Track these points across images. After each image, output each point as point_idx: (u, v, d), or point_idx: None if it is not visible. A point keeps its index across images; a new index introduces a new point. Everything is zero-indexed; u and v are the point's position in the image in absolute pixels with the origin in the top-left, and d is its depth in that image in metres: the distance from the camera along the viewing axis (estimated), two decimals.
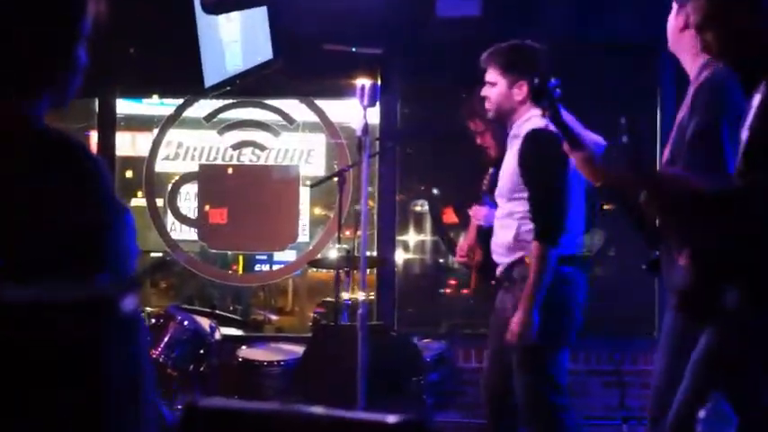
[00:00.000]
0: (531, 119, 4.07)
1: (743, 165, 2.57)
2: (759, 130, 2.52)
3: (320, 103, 6.71)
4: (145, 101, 7.21)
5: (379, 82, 5.85)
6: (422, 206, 7.52)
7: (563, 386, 4.07)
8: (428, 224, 7.78)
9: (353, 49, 6.21)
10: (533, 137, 4.03)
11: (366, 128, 4.21)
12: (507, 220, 4.12)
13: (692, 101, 3.20)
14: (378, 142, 5.88)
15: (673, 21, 3.37)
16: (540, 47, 4.19)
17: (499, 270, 4.18)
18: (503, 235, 4.14)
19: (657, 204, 2.66)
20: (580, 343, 6.29)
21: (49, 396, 1.28)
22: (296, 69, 5.99)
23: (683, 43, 3.32)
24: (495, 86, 4.15)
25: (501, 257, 4.16)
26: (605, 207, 6.48)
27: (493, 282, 4.26)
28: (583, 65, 6.09)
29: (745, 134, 2.58)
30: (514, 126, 4.16)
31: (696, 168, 2.98)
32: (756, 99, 2.56)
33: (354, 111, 5.08)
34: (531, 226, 4.03)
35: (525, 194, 4.06)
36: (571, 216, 4.05)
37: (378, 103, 4.29)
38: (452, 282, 7.33)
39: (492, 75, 4.15)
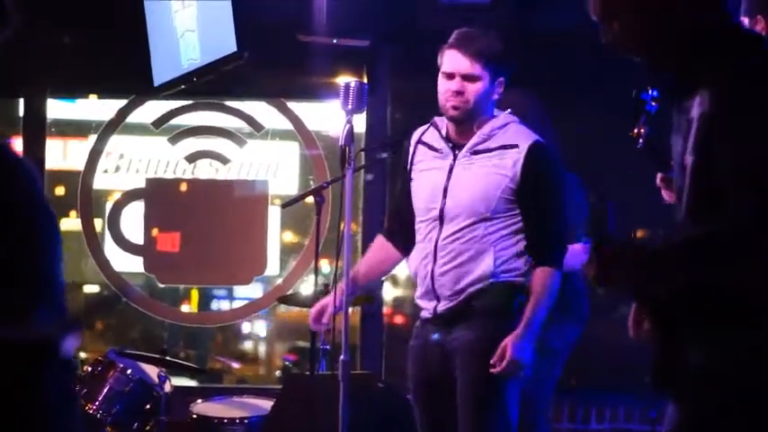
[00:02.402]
0: (511, 125, 4.17)
1: (695, 201, 2.42)
2: (708, 156, 2.34)
3: (293, 105, 6.72)
4: (80, 101, 7.21)
5: (365, 81, 5.87)
6: None
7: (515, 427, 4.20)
8: None
9: (335, 41, 6.22)
10: (543, 150, 4.18)
11: (350, 136, 4.21)
12: (477, 244, 4.14)
13: None
14: (363, 153, 5.89)
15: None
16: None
17: (445, 305, 4.17)
18: (471, 262, 4.14)
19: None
20: (606, 398, 6.35)
21: None
22: (264, 65, 6.00)
23: None
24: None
25: (456, 287, 4.15)
26: (638, 234, 6.50)
27: (429, 317, 4.24)
28: (608, 62, 6.10)
29: (689, 159, 2.42)
30: (479, 133, 4.18)
31: None
32: (695, 111, 2.41)
33: (335, 115, 5.09)
34: (517, 248, 4.14)
35: (508, 213, 4.15)
36: None
37: (364, 107, 4.29)
38: None
39: None
